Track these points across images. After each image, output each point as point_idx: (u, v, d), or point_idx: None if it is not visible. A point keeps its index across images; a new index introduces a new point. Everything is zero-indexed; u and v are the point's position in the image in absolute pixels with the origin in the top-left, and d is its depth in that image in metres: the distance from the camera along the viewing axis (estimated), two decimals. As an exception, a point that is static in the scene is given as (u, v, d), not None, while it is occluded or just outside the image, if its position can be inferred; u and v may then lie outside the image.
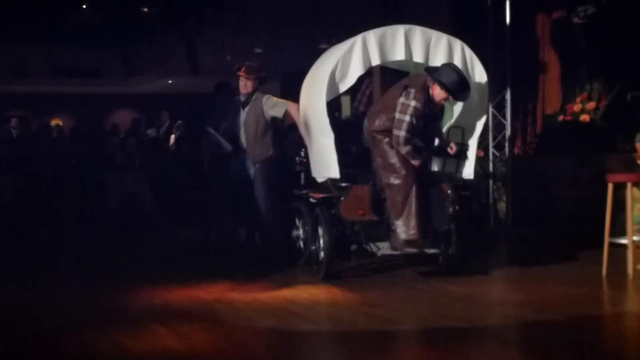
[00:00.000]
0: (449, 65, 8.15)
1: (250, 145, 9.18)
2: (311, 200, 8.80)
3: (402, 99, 7.97)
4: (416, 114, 7.89)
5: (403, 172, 7.95)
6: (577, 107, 12.01)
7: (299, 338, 6.20)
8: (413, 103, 7.90)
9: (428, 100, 8.01)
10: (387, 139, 8.07)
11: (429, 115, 8.15)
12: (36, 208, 12.80)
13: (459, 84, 7.98)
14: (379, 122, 8.18)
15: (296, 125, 9.29)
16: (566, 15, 12.90)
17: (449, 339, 6.08)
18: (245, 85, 9.16)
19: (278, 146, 9.63)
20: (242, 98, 9.27)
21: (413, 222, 7.84)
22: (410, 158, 8.00)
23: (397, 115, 7.92)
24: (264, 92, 9.32)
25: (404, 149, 7.93)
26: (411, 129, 7.90)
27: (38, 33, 20.96)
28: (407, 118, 7.93)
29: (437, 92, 8.00)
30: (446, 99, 8.12)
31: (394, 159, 8.02)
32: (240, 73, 9.15)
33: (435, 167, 8.66)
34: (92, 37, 21.71)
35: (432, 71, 8.10)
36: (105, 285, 8.36)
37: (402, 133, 7.93)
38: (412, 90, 7.98)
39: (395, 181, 7.97)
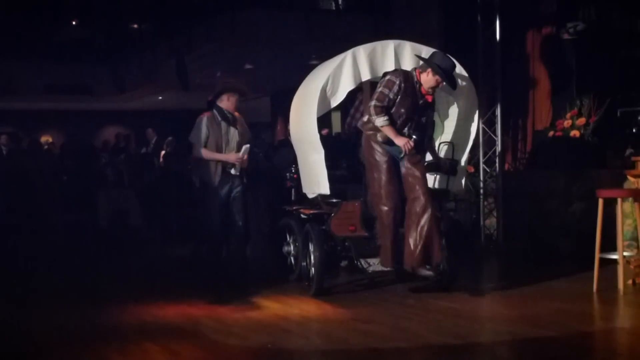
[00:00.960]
0: (441, 52, 8.15)
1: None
2: (302, 216, 8.80)
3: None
4: (389, 85, 7.81)
5: (384, 176, 7.88)
6: (567, 123, 12.02)
7: (289, 355, 6.18)
8: (386, 77, 7.91)
9: (412, 87, 7.90)
10: (371, 133, 7.99)
11: (420, 107, 8.02)
12: (26, 224, 12.76)
13: (452, 68, 7.99)
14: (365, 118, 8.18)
15: (287, 142, 9.27)
16: (556, 32, 12.95)
17: (441, 355, 6.09)
18: (234, 103, 8.71)
19: (269, 162, 9.59)
20: (230, 116, 8.65)
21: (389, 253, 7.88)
22: (390, 133, 7.80)
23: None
24: None
25: (378, 120, 7.75)
26: (383, 98, 7.79)
27: (28, 49, 20.97)
28: (380, 89, 7.88)
29: (429, 79, 7.87)
30: (437, 86, 7.95)
31: (378, 157, 7.95)
32: (233, 92, 8.76)
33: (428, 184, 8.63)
34: (83, 53, 21.73)
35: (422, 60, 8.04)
36: (95, 302, 8.33)
37: (372, 102, 7.85)
38: (387, 75, 8.00)
39: (378, 189, 7.90)
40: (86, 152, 15.81)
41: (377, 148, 7.91)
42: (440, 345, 6.31)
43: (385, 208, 7.81)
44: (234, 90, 8.61)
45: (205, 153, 8.39)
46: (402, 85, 7.80)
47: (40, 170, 13.79)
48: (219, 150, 8.41)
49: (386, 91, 7.79)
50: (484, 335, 6.75)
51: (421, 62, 8.01)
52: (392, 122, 7.77)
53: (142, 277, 10.49)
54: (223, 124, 8.46)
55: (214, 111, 8.50)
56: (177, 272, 10.73)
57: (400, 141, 7.75)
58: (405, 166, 7.87)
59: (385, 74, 8.02)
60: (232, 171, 8.35)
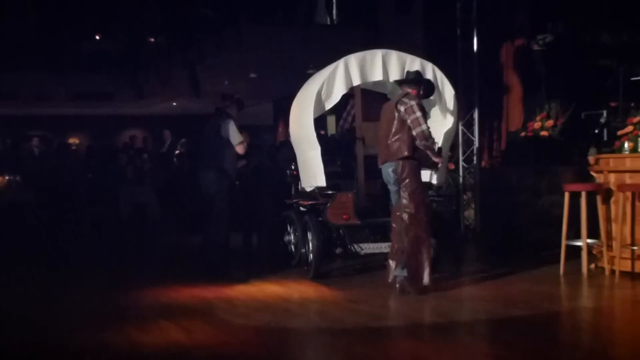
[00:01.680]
0: (410, 72, 8.02)
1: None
2: (301, 208, 8.81)
3: (401, 108, 7.40)
4: (421, 108, 7.42)
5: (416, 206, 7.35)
6: (537, 125, 12.01)
7: (290, 333, 6.16)
8: (412, 102, 7.41)
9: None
10: (411, 162, 7.40)
11: None
12: (56, 217, 12.77)
13: (428, 83, 7.96)
14: (399, 148, 7.38)
15: (287, 142, 9.26)
16: (527, 43, 12.96)
17: (426, 332, 6.09)
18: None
19: (271, 160, 9.59)
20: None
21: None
22: (432, 154, 7.51)
23: (409, 119, 7.33)
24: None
25: (430, 142, 7.38)
26: (426, 121, 7.40)
27: (56, 61, 20.99)
28: (418, 113, 7.37)
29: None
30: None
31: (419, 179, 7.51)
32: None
33: None
34: (105, 64, 21.73)
35: (400, 82, 7.86)
36: (118, 285, 8.31)
37: (424, 127, 7.34)
38: (404, 99, 7.51)
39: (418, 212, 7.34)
40: (108, 152, 15.81)
41: (418, 170, 7.55)
42: (425, 323, 6.32)
43: (424, 234, 7.38)
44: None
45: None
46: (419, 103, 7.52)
47: (68, 169, 13.79)
48: None
49: (424, 114, 7.43)
50: (463, 313, 6.75)
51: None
52: None
53: (158, 263, 10.50)
54: None
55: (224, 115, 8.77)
56: (190, 258, 10.71)
57: (438, 159, 7.72)
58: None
59: (399, 101, 7.47)
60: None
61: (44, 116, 23.09)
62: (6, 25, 21.84)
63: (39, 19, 22.11)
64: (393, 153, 7.39)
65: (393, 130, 7.40)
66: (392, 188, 7.48)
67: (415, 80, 7.75)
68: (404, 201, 7.31)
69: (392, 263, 7.45)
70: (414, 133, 7.32)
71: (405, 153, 7.36)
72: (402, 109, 7.38)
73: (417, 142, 7.36)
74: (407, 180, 7.34)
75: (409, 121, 7.33)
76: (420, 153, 7.44)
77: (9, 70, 20.01)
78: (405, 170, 7.34)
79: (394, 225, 7.40)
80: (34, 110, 22.34)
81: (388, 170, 7.46)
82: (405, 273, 7.24)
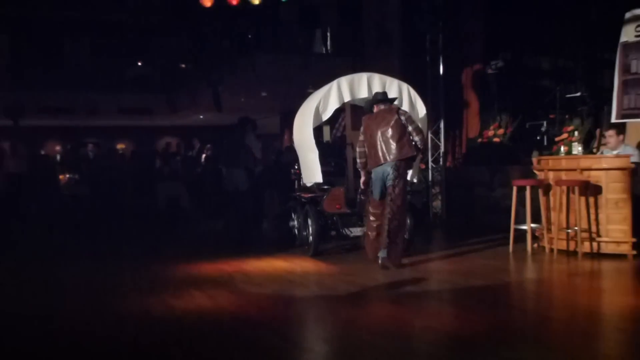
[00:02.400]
0: (379, 92, 7.88)
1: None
2: (302, 199, 8.79)
3: (402, 118, 7.27)
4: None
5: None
6: (491, 133, 12.04)
7: (294, 299, 6.18)
8: (408, 113, 7.52)
9: None
10: (405, 164, 7.27)
11: None
12: (106, 208, 12.79)
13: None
14: (407, 149, 7.22)
15: (291, 147, 9.24)
16: (482, 68, 13.00)
17: (403, 298, 6.06)
18: None
19: (279, 162, 9.55)
20: None
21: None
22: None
23: (411, 126, 7.23)
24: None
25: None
26: None
27: (107, 83, 21.07)
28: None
29: None
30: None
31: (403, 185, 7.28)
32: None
33: None
34: (145, 85, 21.76)
35: (376, 102, 7.62)
36: (156, 262, 8.29)
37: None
38: (401, 110, 7.52)
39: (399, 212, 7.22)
40: (148, 156, 15.81)
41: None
42: (401, 291, 6.31)
43: (404, 222, 7.38)
44: None
45: None
46: None
47: (116, 169, 13.79)
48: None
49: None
50: (432, 283, 6.73)
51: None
52: None
53: (189, 243, 10.48)
54: None
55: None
56: (214, 240, 10.71)
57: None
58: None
59: (399, 110, 7.41)
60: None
61: (97, 127, 23.07)
62: (66, 53, 21.89)
63: (92, 48, 22.15)
64: (401, 153, 7.16)
65: (398, 134, 7.18)
66: (388, 183, 7.16)
67: (387, 98, 7.68)
68: (397, 194, 7.13)
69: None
70: (417, 138, 7.25)
71: (413, 153, 7.29)
72: (403, 118, 7.29)
73: (419, 144, 7.30)
74: (404, 177, 7.27)
75: (410, 128, 7.24)
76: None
77: (69, 89, 20.09)
78: (404, 168, 7.24)
79: (387, 214, 7.20)
80: (89, 122, 22.32)
81: (388, 169, 7.14)
82: (385, 254, 7.22)
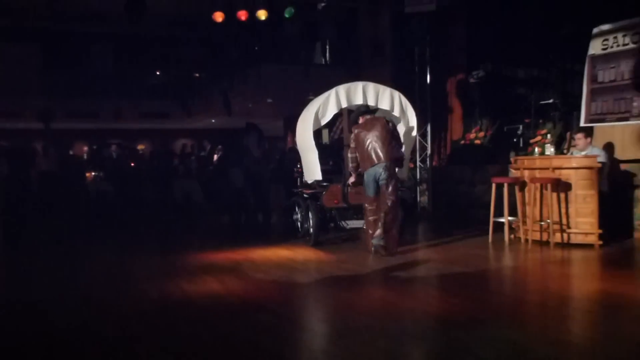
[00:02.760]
0: (362, 105, 8.10)
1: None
2: (304, 195, 8.79)
3: (390, 126, 7.53)
4: None
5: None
6: (472, 135, 12.04)
7: (296, 283, 6.18)
8: (392, 122, 7.84)
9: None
10: (394, 164, 7.41)
11: None
12: (128, 202, 12.79)
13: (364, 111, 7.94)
14: (394, 151, 7.44)
15: (294, 149, 9.22)
16: (465, 77, 12.99)
17: (393, 283, 6.08)
18: None
19: (282, 161, 9.50)
20: None
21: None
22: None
23: (394, 142, 7.49)
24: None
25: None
26: None
27: (129, 90, 21.10)
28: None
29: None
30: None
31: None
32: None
33: None
34: (163, 92, 21.77)
35: (361, 113, 7.82)
36: (172, 251, 8.31)
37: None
38: (388, 119, 7.73)
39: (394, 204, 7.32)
40: (166, 155, 15.79)
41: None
42: (392, 276, 6.32)
43: (397, 215, 7.45)
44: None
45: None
46: None
47: (137, 167, 13.78)
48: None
49: None
50: (420, 270, 6.74)
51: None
52: None
53: (201, 234, 10.49)
54: None
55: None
56: (224, 231, 10.71)
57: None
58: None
59: (388, 122, 7.56)
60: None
61: (119, 129, 23.04)
62: (92, 63, 21.89)
63: (116, 58, 22.16)
64: (391, 156, 7.31)
65: (389, 140, 7.35)
66: (381, 182, 7.26)
67: (371, 110, 7.92)
68: (390, 191, 7.23)
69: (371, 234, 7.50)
70: (401, 153, 7.68)
71: (400, 155, 7.59)
72: (390, 125, 7.55)
73: (403, 149, 7.77)
74: (395, 176, 7.37)
75: (398, 134, 7.68)
76: None
77: (95, 96, 20.15)
78: (393, 168, 7.37)
79: (382, 209, 7.27)
80: (113, 125, 22.32)
81: (379, 169, 7.24)
82: (382, 242, 7.25)
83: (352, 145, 7.59)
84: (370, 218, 7.47)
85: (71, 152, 18.31)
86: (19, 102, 17.46)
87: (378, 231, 7.27)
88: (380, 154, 7.29)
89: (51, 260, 7.92)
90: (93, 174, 14.10)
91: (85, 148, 21.36)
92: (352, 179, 7.76)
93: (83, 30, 20.78)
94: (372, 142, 7.36)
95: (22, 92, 17.63)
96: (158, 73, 22.87)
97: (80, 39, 21.15)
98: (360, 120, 7.71)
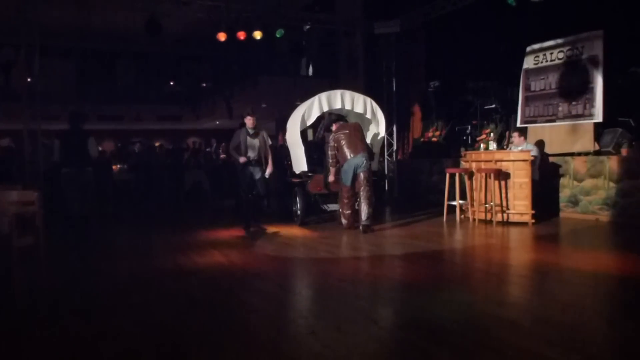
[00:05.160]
0: (333, 113, 8.22)
1: (259, 157, 7.90)
2: (293, 183, 8.73)
3: (362, 128, 7.80)
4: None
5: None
6: (430, 134, 12.05)
7: (286, 257, 6.13)
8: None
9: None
10: (369, 156, 7.61)
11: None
12: (148, 190, 12.65)
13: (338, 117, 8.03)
14: (367, 146, 7.68)
15: (284, 145, 9.13)
16: (424, 87, 12.98)
17: (365, 255, 6.05)
18: (252, 122, 7.70)
19: (276, 156, 9.35)
20: (251, 131, 7.69)
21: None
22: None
23: (364, 140, 7.62)
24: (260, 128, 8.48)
25: None
26: None
27: (149, 97, 21.00)
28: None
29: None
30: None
31: None
32: (250, 116, 7.73)
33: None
34: (176, 98, 21.64)
35: (327, 122, 8.08)
36: (184, 230, 8.23)
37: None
38: (359, 124, 7.92)
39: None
40: (179, 151, 15.64)
41: None
42: (364, 249, 6.29)
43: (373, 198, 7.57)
44: (249, 114, 7.75)
45: (230, 151, 7.81)
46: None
47: (156, 160, 13.62)
48: (244, 151, 7.57)
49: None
50: (390, 245, 6.72)
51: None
52: None
53: (208, 216, 10.40)
54: (246, 136, 7.67)
55: (243, 128, 7.80)
56: (227, 213, 10.63)
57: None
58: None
59: (359, 124, 7.83)
60: (252, 161, 7.62)
61: (140, 130, 22.81)
62: (118, 75, 21.67)
63: (138, 71, 21.99)
64: (366, 150, 7.46)
65: (361, 138, 7.50)
66: (359, 170, 7.30)
67: (342, 117, 8.03)
68: (367, 178, 7.33)
69: (346, 214, 7.47)
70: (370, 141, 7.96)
71: (371, 148, 7.94)
72: (361, 128, 7.75)
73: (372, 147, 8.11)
74: (370, 166, 7.45)
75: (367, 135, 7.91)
76: None
77: (120, 102, 20.20)
78: (369, 159, 7.49)
79: (361, 191, 7.34)
80: (135, 126, 22.09)
81: (361, 159, 7.31)
82: (368, 222, 7.31)
83: (332, 144, 7.55)
84: (347, 202, 7.47)
85: (100, 149, 18.05)
86: (58, 108, 17.17)
87: (365, 214, 7.29)
88: (357, 147, 7.39)
89: (81, 237, 7.80)
90: (118, 166, 13.95)
91: (112, 145, 21.13)
92: (331, 177, 7.68)
93: (110, 48, 20.64)
94: (350, 139, 7.43)
95: (60, 100, 17.38)
96: (172, 83, 22.68)
97: (108, 55, 21.00)
98: (334, 127, 7.71)
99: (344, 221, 7.59)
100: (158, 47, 20.29)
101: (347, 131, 7.49)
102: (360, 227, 7.32)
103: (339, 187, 7.79)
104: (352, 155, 7.34)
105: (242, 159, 7.54)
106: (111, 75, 21.56)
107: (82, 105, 18.22)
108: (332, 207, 8.33)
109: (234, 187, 10.85)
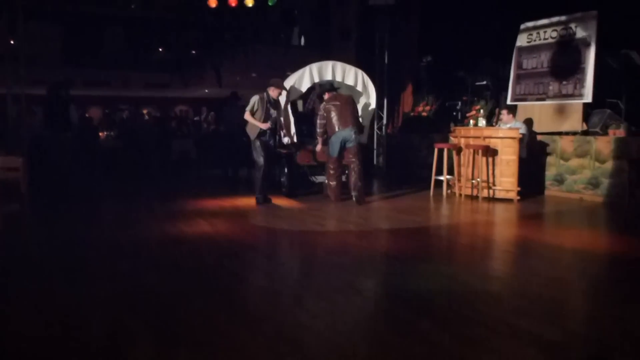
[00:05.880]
0: (325, 82, 7.98)
1: (276, 127, 7.62)
2: (282, 154, 8.68)
3: (352, 100, 7.61)
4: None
5: None
6: (420, 109, 12.04)
7: (276, 228, 6.15)
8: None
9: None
10: (359, 129, 7.61)
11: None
12: (135, 158, 12.55)
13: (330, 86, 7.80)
14: (357, 119, 7.61)
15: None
16: (416, 61, 12.90)
17: (352, 227, 6.08)
18: (276, 94, 7.42)
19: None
20: (272, 100, 7.40)
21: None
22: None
23: (355, 113, 7.53)
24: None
25: None
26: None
27: (137, 63, 20.74)
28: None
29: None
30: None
31: None
32: (276, 87, 7.43)
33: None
34: (165, 66, 21.38)
35: (326, 89, 7.72)
36: (171, 199, 8.19)
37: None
38: (351, 95, 7.83)
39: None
40: (166, 119, 15.50)
41: None
42: (352, 221, 6.33)
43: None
44: (279, 86, 7.50)
45: (247, 117, 7.29)
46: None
47: (142, 129, 13.49)
48: (262, 119, 7.27)
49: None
50: (377, 218, 6.78)
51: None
52: None
53: (196, 186, 10.36)
54: (267, 104, 7.35)
55: (265, 94, 7.38)
56: (215, 183, 10.60)
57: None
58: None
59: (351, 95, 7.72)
60: (267, 132, 7.32)
61: (128, 96, 22.50)
62: (105, 40, 21.30)
63: (126, 37, 21.59)
64: (355, 124, 7.40)
65: (352, 112, 7.40)
66: (349, 144, 7.31)
67: (334, 87, 7.80)
68: (358, 150, 7.36)
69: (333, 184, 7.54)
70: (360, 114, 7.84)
71: (361, 122, 7.89)
72: (354, 101, 7.64)
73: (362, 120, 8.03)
74: (358, 139, 7.43)
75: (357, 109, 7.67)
76: None
77: (107, 68, 19.76)
78: (358, 133, 7.46)
79: (352, 165, 7.35)
80: (122, 92, 21.78)
81: (349, 133, 7.27)
82: (357, 194, 7.35)
83: (322, 112, 7.49)
84: (333, 174, 7.48)
85: (87, 115, 17.85)
86: (43, 72, 16.87)
87: (356, 187, 7.32)
88: (347, 120, 7.32)
89: (66, 206, 7.76)
90: (105, 133, 13.79)
91: (99, 112, 20.86)
92: (319, 147, 7.67)
93: (98, 12, 20.27)
94: (340, 112, 7.36)
95: (46, 64, 17.05)
96: (161, 50, 22.32)
97: (96, 19, 20.61)
98: (326, 96, 7.61)
99: (330, 193, 7.61)
100: (147, 13, 19.90)
101: (338, 103, 7.40)
102: (354, 198, 7.37)
103: (325, 157, 7.79)
104: (340, 128, 7.30)
105: (265, 125, 7.23)
106: (99, 41, 21.17)
107: (69, 70, 17.97)
108: (320, 178, 8.33)
109: (224, 157, 10.83)
